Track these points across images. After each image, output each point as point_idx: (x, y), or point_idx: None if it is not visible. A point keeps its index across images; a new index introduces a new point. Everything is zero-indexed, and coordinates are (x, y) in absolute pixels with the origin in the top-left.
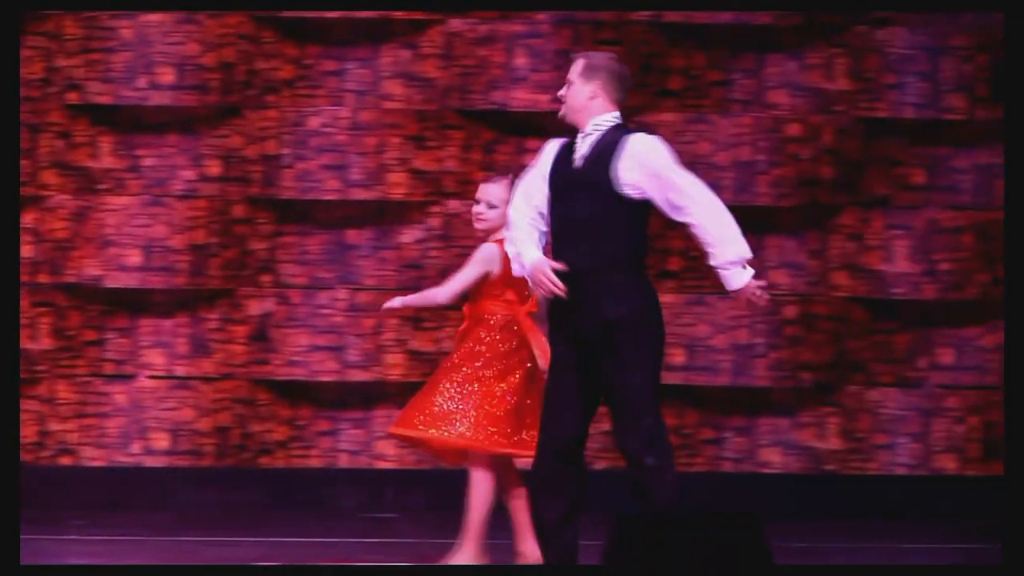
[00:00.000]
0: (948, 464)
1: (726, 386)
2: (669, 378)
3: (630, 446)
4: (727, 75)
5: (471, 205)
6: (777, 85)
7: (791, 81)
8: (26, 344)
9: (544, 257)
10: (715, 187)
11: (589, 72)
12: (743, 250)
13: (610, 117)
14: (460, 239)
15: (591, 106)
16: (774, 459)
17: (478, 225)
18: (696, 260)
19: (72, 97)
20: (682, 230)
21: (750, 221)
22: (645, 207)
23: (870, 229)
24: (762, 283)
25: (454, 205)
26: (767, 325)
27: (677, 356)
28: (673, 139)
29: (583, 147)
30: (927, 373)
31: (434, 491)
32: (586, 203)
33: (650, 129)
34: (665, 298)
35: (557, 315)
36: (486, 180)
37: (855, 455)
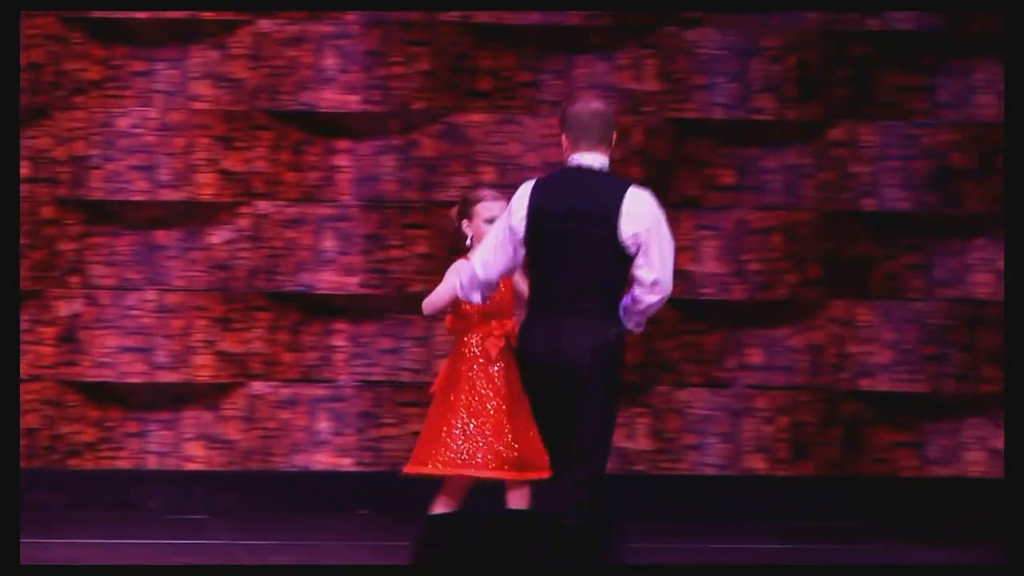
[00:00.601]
0: (757, 464)
1: None
2: None
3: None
4: (536, 76)
5: (281, 206)
6: (587, 86)
7: (601, 82)
8: None
9: None
10: None
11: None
12: None
13: (569, 159)
14: (269, 239)
15: (565, 155)
16: None
17: None
18: None
19: None
20: None
21: None
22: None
23: (679, 230)
24: None
25: (263, 206)
26: None
27: None
28: (483, 140)
29: None
30: (736, 373)
31: (243, 493)
32: None
33: (541, 176)
34: None
35: None
36: (496, 197)
37: (664, 455)
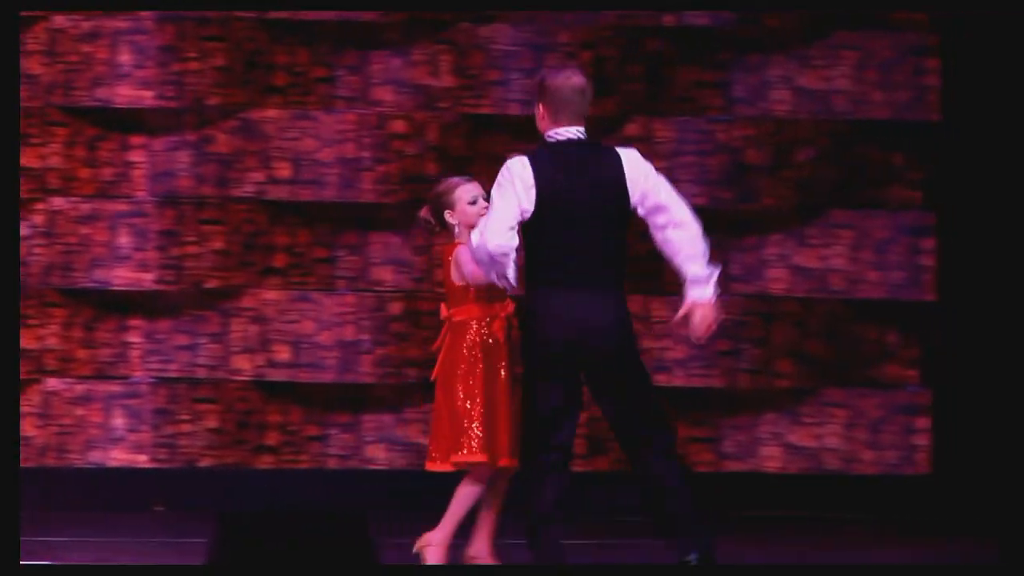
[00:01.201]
0: None
1: (332, 383)
2: (274, 375)
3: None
4: (332, 72)
5: (75, 202)
6: (382, 82)
7: (396, 78)
8: None
9: None
10: (320, 184)
11: (535, 91)
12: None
13: (551, 133)
14: (63, 236)
15: (540, 125)
16: (379, 455)
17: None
18: (300, 256)
19: None
20: (287, 225)
21: (355, 218)
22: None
23: None
24: None
25: (58, 202)
26: (373, 322)
27: (283, 353)
28: (278, 136)
29: None
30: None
31: (38, 489)
32: None
33: (531, 152)
34: (269, 295)
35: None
36: (468, 180)
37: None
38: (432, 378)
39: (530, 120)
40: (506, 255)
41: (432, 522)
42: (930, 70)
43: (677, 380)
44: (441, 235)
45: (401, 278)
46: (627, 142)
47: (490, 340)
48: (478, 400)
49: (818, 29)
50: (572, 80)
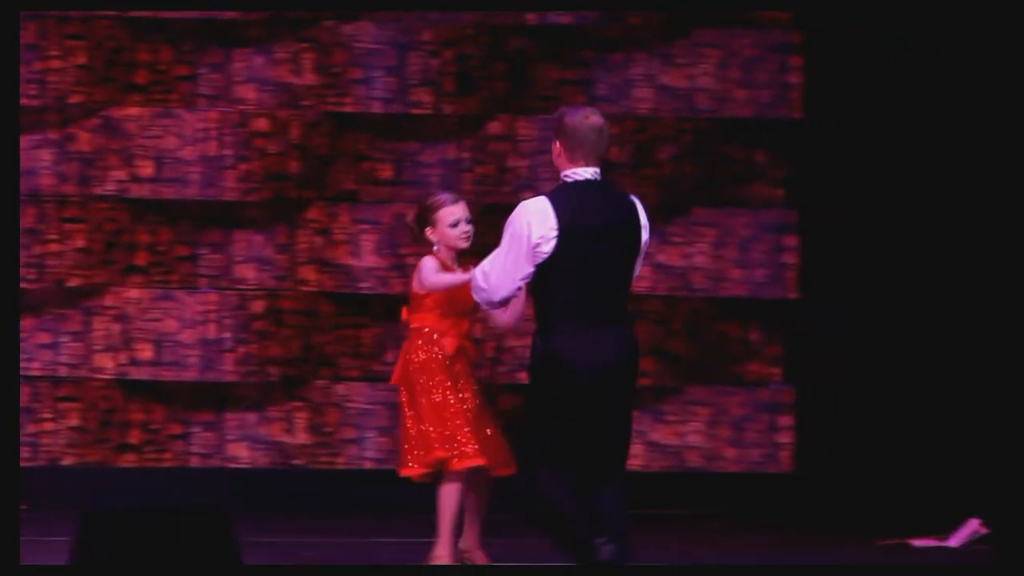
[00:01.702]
0: None
1: (194, 381)
2: (137, 373)
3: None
4: (193, 70)
5: None
6: (244, 80)
7: (258, 76)
8: None
9: None
10: (182, 182)
11: (553, 128)
12: None
13: (568, 173)
14: None
15: (557, 162)
16: (242, 454)
17: (467, 244)
18: (163, 254)
19: None
20: (149, 224)
21: (217, 216)
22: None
23: (337, 223)
24: None
25: None
26: (235, 320)
27: (145, 351)
28: (140, 134)
29: None
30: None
31: None
32: None
33: (549, 193)
34: (132, 293)
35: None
36: (455, 200)
37: (323, 449)
38: (392, 383)
39: (393, 118)
40: (505, 301)
41: (296, 521)
42: (792, 68)
43: None
44: (423, 244)
45: (263, 276)
46: (490, 140)
47: (439, 353)
48: (451, 403)
49: (681, 27)
50: (590, 119)
